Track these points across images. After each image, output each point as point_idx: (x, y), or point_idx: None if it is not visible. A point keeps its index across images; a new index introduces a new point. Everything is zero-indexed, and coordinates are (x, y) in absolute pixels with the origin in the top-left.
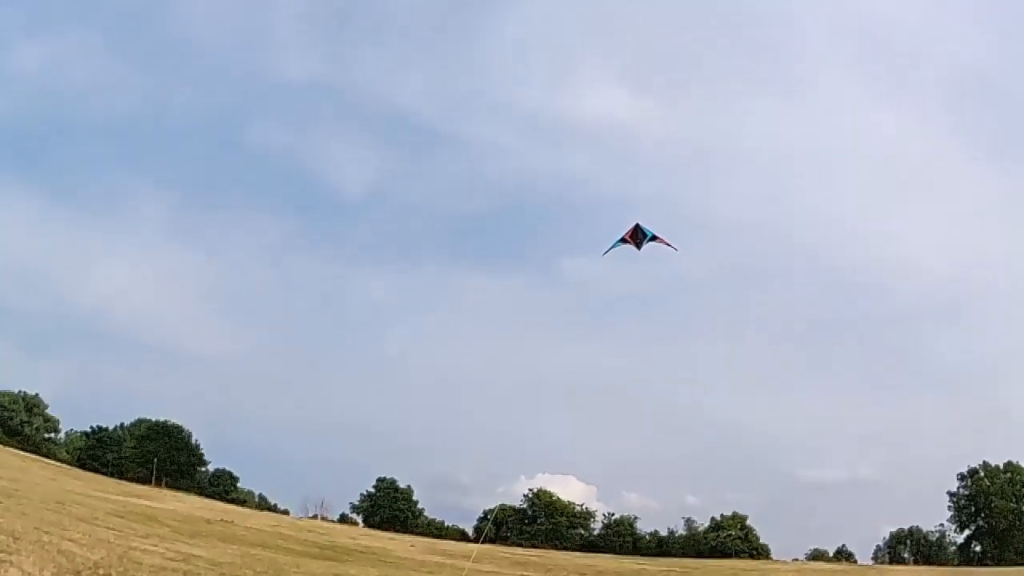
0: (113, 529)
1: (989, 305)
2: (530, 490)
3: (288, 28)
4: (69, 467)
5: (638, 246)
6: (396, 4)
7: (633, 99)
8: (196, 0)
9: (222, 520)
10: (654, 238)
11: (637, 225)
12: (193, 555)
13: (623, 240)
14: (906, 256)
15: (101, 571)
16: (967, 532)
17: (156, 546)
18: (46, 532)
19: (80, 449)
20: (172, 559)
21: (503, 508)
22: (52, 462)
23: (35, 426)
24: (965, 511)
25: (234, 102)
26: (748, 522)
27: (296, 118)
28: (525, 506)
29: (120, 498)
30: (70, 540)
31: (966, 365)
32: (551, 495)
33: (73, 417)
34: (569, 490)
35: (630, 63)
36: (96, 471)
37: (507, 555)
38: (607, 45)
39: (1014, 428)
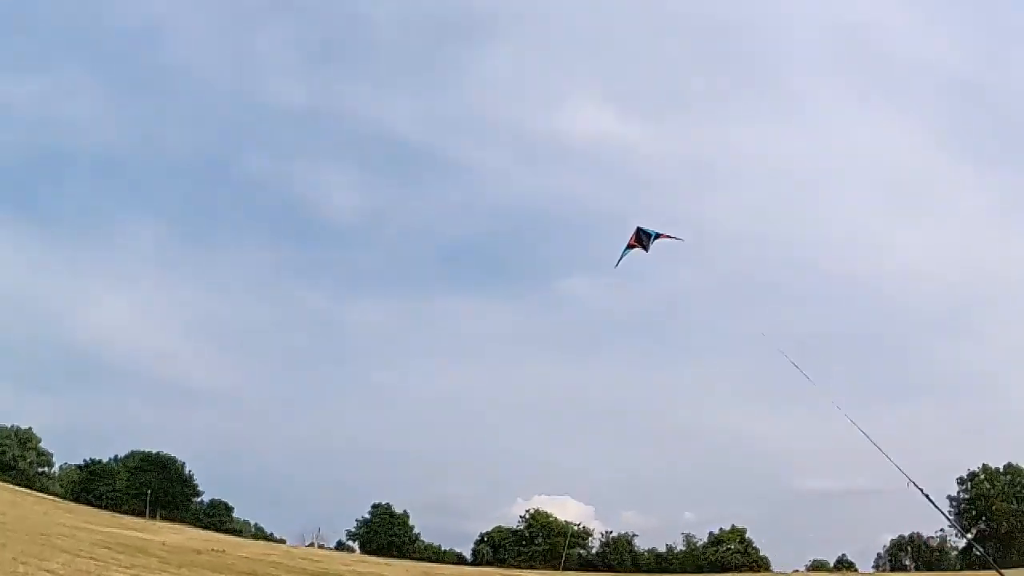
0: (95, 559)
1: (984, 312)
2: (527, 511)
3: (277, 56)
4: (62, 501)
5: (646, 248)
6: (385, 31)
7: (624, 118)
8: (185, 31)
9: (213, 550)
10: (658, 236)
11: (639, 228)
12: None
13: (629, 247)
14: (902, 265)
15: None
16: (968, 536)
17: None
18: (23, 563)
19: (74, 483)
20: None
21: (500, 530)
22: (45, 496)
23: (28, 460)
24: (966, 515)
25: (225, 132)
26: (747, 535)
27: (287, 146)
28: (522, 527)
29: (111, 530)
30: (47, 571)
31: (962, 372)
32: (548, 516)
33: (67, 451)
34: (566, 510)
35: (621, 82)
36: (90, 504)
37: None
38: (597, 65)
39: (1011, 433)
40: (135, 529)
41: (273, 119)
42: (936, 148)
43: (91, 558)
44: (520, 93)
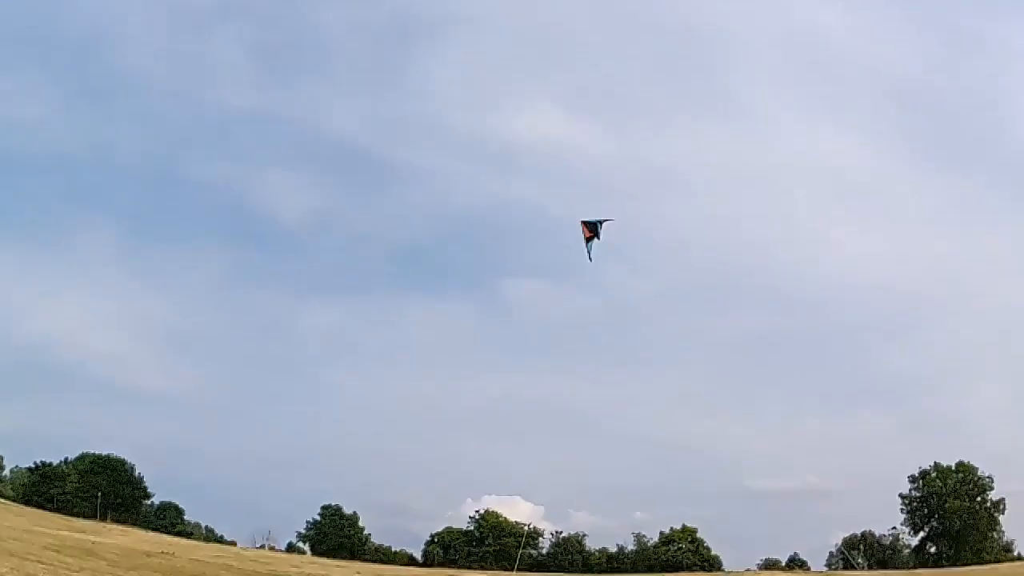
0: (44, 563)
1: (933, 315)
2: (476, 512)
3: (226, 61)
4: (13, 504)
5: (598, 236)
6: (333, 34)
7: (574, 123)
8: (134, 35)
9: (163, 553)
10: (600, 222)
11: (583, 222)
12: None
13: (588, 240)
14: (850, 269)
15: None
16: (921, 534)
17: None
18: None
19: (25, 485)
20: None
21: (450, 531)
22: None
23: None
24: (918, 513)
25: (175, 135)
26: (698, 535)
27: (237, 150)
28: (472, 528)
29: (61, 532)
30: None
31: (910, 372)
32: (498, 516)
33: (17, 454)
34: (517, 510)
35: (571, 87)
36: (41, 507)
37: None
38: (547, 70)
39: (961, 432)
40: (85, 532)
41: (223, 123)
42: (885, 153)
43: (40, 561)
44: (470, 96)
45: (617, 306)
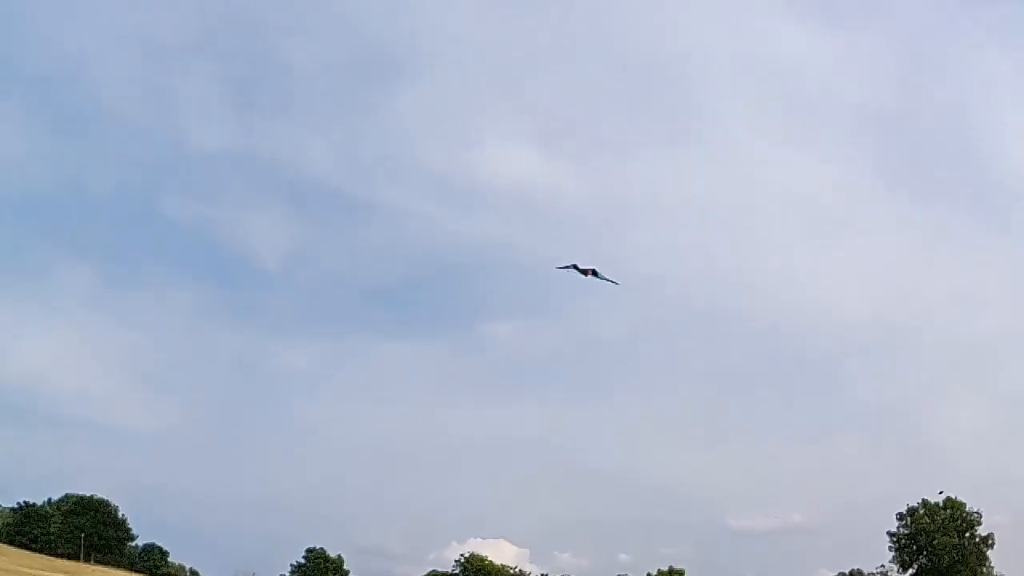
0: None
1: (908, 344)
2: (462, 555)
3: (199, 99)
4: None
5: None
6: (305, 74)
7: (543, 160)
8: (107, 72)
9: None
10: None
11: (574, 266)
12: None
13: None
14: (824, 299)
15: None
16: (911, 571)
17: None
18: None
19: (8, 525)
20: None
21: (435, 574)
22: None
23: None
24: (906, 550)
25: (149, 173)
26: None
27: (210, 188)
28: (457, 571)
29: (43, 573)
30: None
31: (889, 405)
32: (483, 559)
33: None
34: (501, 553)
35: (539, 125)
36: (25, 547)
37: None
38: (515, 108)
39: (943, 463)
40: (68, 572)
41: (195, 161)
42: (857, 182)
43: None
44: (440, 135)
45: (593, 342)
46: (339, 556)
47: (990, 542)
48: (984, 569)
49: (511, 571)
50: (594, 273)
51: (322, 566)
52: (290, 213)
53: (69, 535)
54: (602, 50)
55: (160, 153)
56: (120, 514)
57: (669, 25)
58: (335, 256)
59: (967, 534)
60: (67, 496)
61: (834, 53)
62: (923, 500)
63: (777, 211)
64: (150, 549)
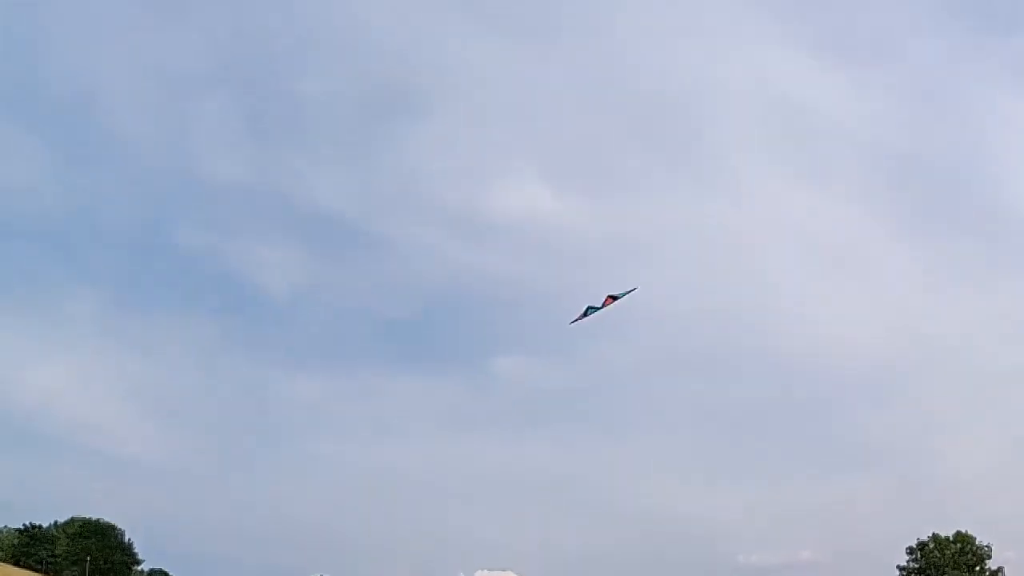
0: None
1: (919, 381)
2: None
3: (213, 131)
4: (2, 564)
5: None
6: (320, 108)
7: (555, 196)
8: (122, 103)
9: None
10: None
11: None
12: None
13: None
14: (835, 337)
15: None
16: None
17: None
18: None
19: (14, 546)
20: None
21: None
22: None
23: None
24: None
25: (161, 203)
26: None
27: (223, 220)
28: None
29: None
30: None
31: (899, 442)
32: None
33: (6, 515)
34: None
35: (551, 161)
36: (31, 568)
37: None
38: (527, 144)
39: (951, 498)
40: None
41: (209, 193)
42: (865, 219)
43: None
44: (452, 169)
45: (602, 378)
46: None
47: None
48: None
49: None
50: (613, 299)
51: None
52: (302, 245)
53: (75, 557)
54: (614, 87)
55: (173, 183)
56: (126, 538)
57: (681, 63)
58: (346, 289)
59: (976, 568)
60: (73, 519)
61: (846, 91)
62: (933, 534)
63: (788, 248)
64: (156, 574)
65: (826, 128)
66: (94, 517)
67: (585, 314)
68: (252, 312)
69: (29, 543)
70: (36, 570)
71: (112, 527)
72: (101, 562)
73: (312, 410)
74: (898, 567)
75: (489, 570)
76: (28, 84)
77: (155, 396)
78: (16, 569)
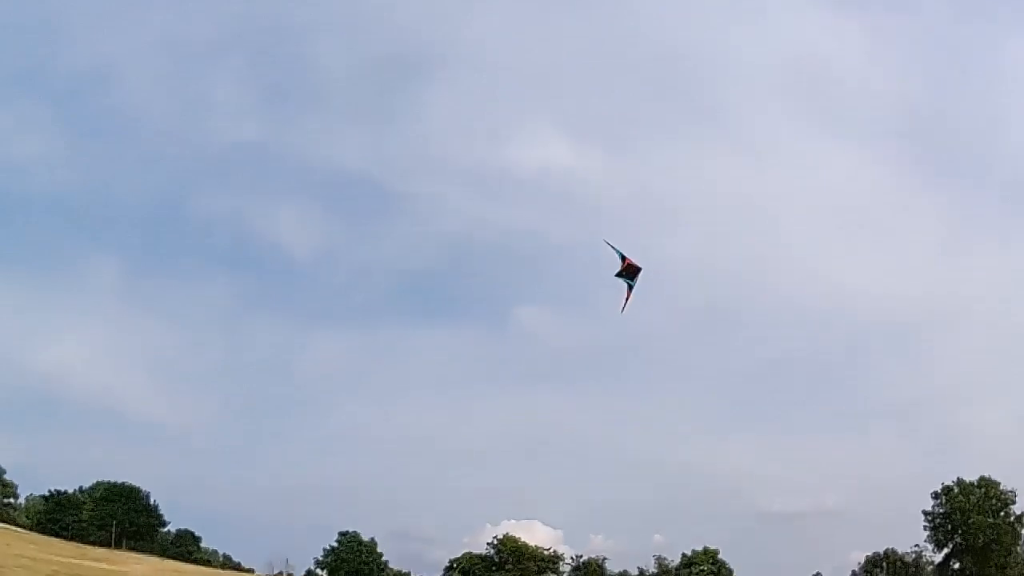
0: None
1: (942, 333)
2: (495, 537)
3: (228, 97)
4: (28, 532)
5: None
6: (334, 69)
7: (577, 150)
8: (136, 72)
9: None
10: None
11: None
12: None
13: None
14: (855, 290)
15: None
16: (945, 551)
17: None
18: None
19: (40, 513)
20: None
21: (469, 556)
22: (11, 527)
23: None
24: (941, 529)
25: (180, 167)
26: (719, 556)
27: (241, 182)
28: (492, 553)
29: (71, 560)
30: None
31: (923, 392)
32: (517, 540)
33: (31, 483)
34: (535, 535)
35: (572, 113)
36: (57, 535)
37: None
38: (545, 100)
39: (975, 447)
40: (97, 559)
41: (226, 156)
42: (886, 172)
43: None
44: (470, 126)
45: (626, 332)
46: (372, 539)
47: None
48: (1019, 549)
49: (545, 552)
50: (628, 276)
51: (355, 549)
52: (321, 206)
53: (100, 522)
54: (630, 41)
55: (190, 148)
56: (152, 500)
57: (698, 16)
58: (367, 248)
59: (1001, 513)
60: (98, 484)
61: (862, 44)
62: (958, 479)
63: (808, 204)
64: (183, 535)
65: (845, 82)
66: (119, 480)
67: (618, 252)
68: (273, 273)
69: (54, 510)
70: (62, 537)
71: (137, 490)
72: (127, 525)
73: (335, 369)
74: (923, 512)
75: (516, 520)
76: (42, 57)
77: (176, 360)
78: (40, 536)
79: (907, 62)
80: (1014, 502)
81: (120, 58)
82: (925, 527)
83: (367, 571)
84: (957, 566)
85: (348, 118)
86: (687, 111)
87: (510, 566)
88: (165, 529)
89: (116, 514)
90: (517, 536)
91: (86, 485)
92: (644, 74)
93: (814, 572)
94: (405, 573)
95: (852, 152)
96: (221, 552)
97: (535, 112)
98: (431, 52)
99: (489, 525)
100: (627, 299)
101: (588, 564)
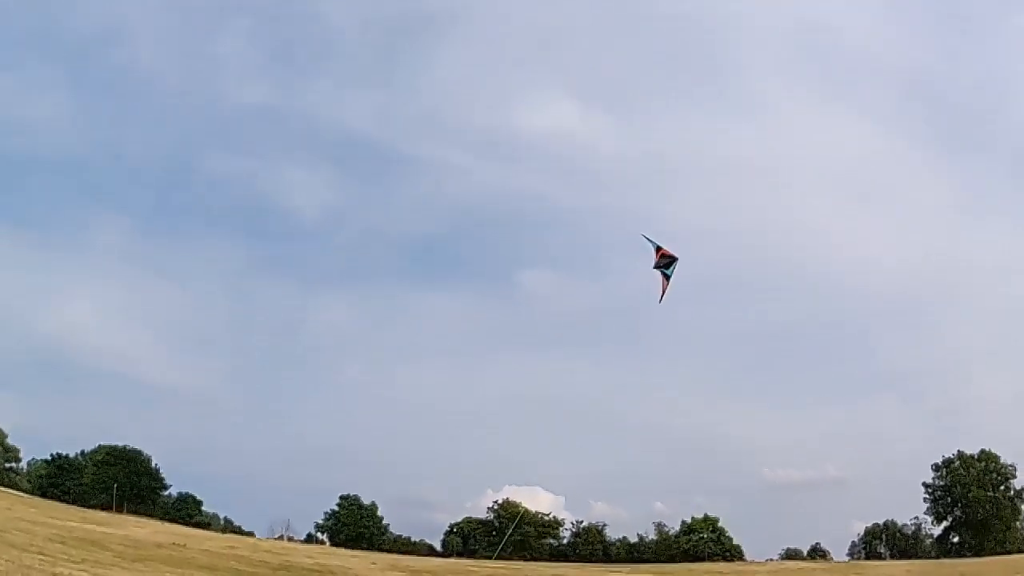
0: (45, 555)
1: (947, 306)
2: (495, 502)
3: (236, 57)
4: (28, 496)
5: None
6: (343, 30)
7: (584, 113)
8: (144, 32)
9: (174, 544)
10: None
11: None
12: None
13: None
14: (861, 257)
15: None
16: (944, 523)
17: (85, 572)
18: None
19: (42, 477)
20: None
21: (470, 521)
22: (12, 491)
23: None
24: (941, 502)
25: (186, 131)
26: (720, 524)
27: (250, 144)
28: (492, 518)
29: (71, 524)
30: None
31: (927, 365)
32: (518, 506)
33: (34, 446)
34: (537, 501)
35: (581, 78)
36: (58, 499)
37: (475, 568)
38: (556, 62)
39: (977, 420)
40: (98, 523)
41: (234, 118)
42: (894, 141)
43: (41, 553)
44: (479, 89)
45: (631, 296)
46: (373, 503)
47: None
48: (1018, 523)
49: (546, 517)
50: (664, 266)
51: (356, 513)
52: (330, 168)
53: (102, 485)
54: (641, 5)
55: (199, 110)
56: (153, 464)
57: None
58: (377, 210)
59: (1001, 487)
60: (100, 447)
61: (872, 11)
62: (959, 452)
63: (817, 169)
64: (184, 499)
65: (854, 49)
66: (120, 444)
67: (653, 244)
68: (281, 235)
69: (56, 473)
70: (64, 500)
71: (138, 453)
72: (128, 488)
73: (341, 331)
74: (924, 484)
75: (517, 486)
76: (50, 19)
77: (181, 321)
78: (41, 500)
79: (917, 29)
80: (1014, 476)
81: (127, 17)
82: (925, 499)
83: (368, 535)
84: (956, 539)
85: (358, 79)
86: (697, 76)
87: (509, 531)
88: (166, 493)
89: (117, 477)
90: (518, 501)
91: (88, 448)
92: (654, 38)
93: (814, 542)
94: (405, 537)
95: (861, 120)
96: (222, 515)
97: (544, 75)
98: (441, 12)
99: (491, 490)
100: (664, 289)
101: (588, 530)
